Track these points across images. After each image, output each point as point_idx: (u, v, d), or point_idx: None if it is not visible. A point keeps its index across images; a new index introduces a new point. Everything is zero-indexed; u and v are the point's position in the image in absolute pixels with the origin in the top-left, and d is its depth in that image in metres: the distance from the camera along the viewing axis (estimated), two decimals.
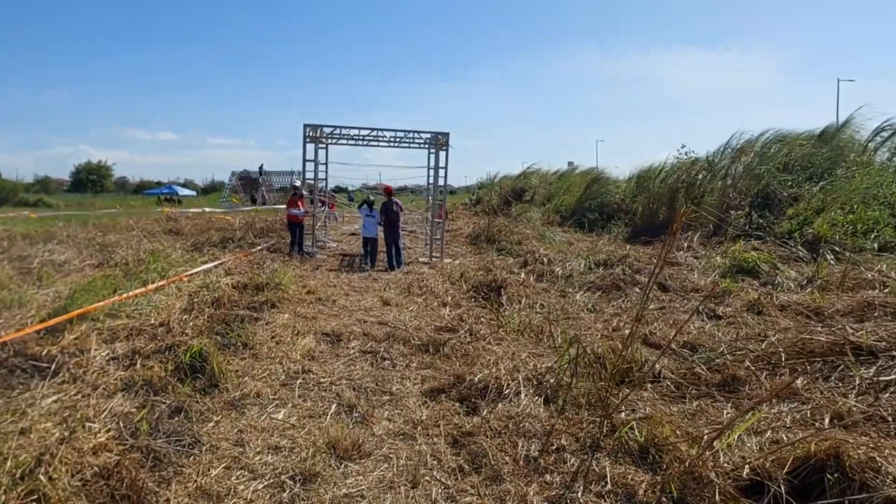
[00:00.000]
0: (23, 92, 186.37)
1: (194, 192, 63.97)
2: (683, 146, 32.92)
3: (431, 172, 20.25)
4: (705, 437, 5.03)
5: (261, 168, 46.14)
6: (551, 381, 6.49)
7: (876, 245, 13.93)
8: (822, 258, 13.58)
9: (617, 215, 26.98)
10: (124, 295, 8.78)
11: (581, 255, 16.31)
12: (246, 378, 6.80)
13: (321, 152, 20.23)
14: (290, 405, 6.21)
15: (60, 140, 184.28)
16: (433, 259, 17.43)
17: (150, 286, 9.71)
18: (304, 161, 17.52)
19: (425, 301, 11.15)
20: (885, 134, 21.13)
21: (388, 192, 17.52)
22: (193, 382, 6.43)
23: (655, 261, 15.36)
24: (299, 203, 17.00)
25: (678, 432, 5.25)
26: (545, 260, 16.03)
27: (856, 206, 15.89)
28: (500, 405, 6.03)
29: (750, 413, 5.37)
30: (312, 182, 18.09)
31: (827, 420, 5.38)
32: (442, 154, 17.97)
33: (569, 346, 7.09)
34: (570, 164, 40.27)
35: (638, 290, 12.47)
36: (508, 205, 32.71)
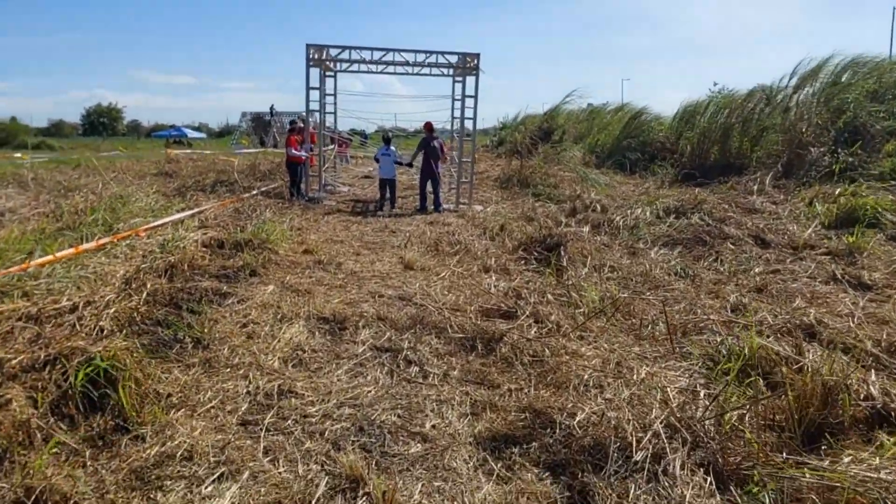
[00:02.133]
0: (38, 37, 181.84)
1: (204, 135, 60.82)
2: (716, 83, 29.15)
3: (457, 104, 17.11)
4: None
5: (271, 108, 42.81)
6: (708, 425, 3.58)
7: None
8: None
9: (661, 155, 23.69)
10: (31, 262, 5.90)
11: (641, 200, 13.24)
12: (178, 414, 3.96)
13: (329, 81, 17.09)
14: (243, 479, 3.35)
15: (75, 84, 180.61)
16: (461, 206, 14.46)
17: (84, 246, 6.84)
18: (308, 89, 14.39)
19: (461, 264, 8.20)
20: None
21: (429, 128, 14.55)
22: (75, 428, 3.62)
23: (729, 207, 12.30)
24: (295, 141, 13.97)
25: None
26: (598, 206, 13.01)
27: None
28: (633, 486, 3.15)
29: None
30: (318, 115, 14.97)
31: None
32: (470, 80, 14.75)
33: (725, 361, 4.18)
34: (589, 105, 36.43)
35: (731, 245, 9.47)
36: (535, 146, 29.44)
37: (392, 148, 14.57)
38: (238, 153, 29.93)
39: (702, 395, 4.16)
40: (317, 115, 14.85)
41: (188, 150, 36.79)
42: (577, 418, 3.69)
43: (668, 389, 4.15)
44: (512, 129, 41.13)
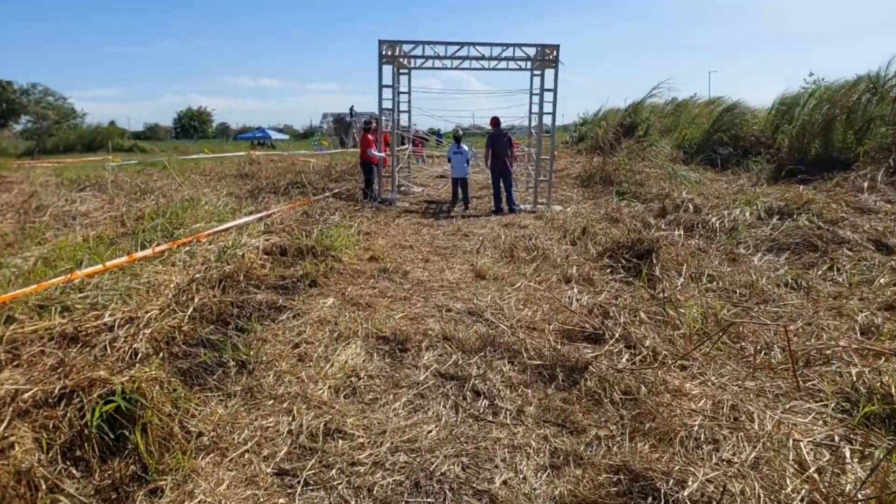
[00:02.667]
0: (136, 46, 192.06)
1: (287, 136, 61.99)
2: (811, 73, 26.85)
3: (535, 99, 16.26)
4: None
5: (351, 109, 42.87)
6: None
7: None
8: None
9: (755, 150, 21.98)
10: (78, 273, 5.53)
11: (738, 198, 12.02)
12: (206, 460, 3.39)
13: (403, 79, 16.59)
14: None
15: (171, 90, 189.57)
16: (539, 206, 13.61)
17: (140, 253, 6.47)
18: (381, 87, 13.90)
19: (538, 273, 7.41)
20: None
21: (496, 123, 13.74)
22: (90, 475, 3.10)
23: (839, 206, 10.95)
24: (371, 142, 13.49)
25: None
26: (690, 206, 11.89)
27: None
28: None
29: None
30: (391, 113, 14.44)
31: None
32: (549, 74, 13.88)
33: (866, 403, 3.25)
34: (673, 99, 34.42)
35: (848, 251, 8.27)
36: (618, 141, 28.08)
37: (464, 146, 13.91)
38: (318, 154, 30.06)
39: (847, 453, 3.25)
40: (390, 114, 14.33)
41: (271, 151, 37.50)
42: (688, 489, 2.87)
43: (802, 445, 3.26)
44: (593, 125, 39.68)
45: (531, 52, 14.14)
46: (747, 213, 10.68)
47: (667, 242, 7.96)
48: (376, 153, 13.62)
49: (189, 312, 5.04)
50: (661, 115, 31.81)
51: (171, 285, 5.84)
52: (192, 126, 74.05)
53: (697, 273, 7.23)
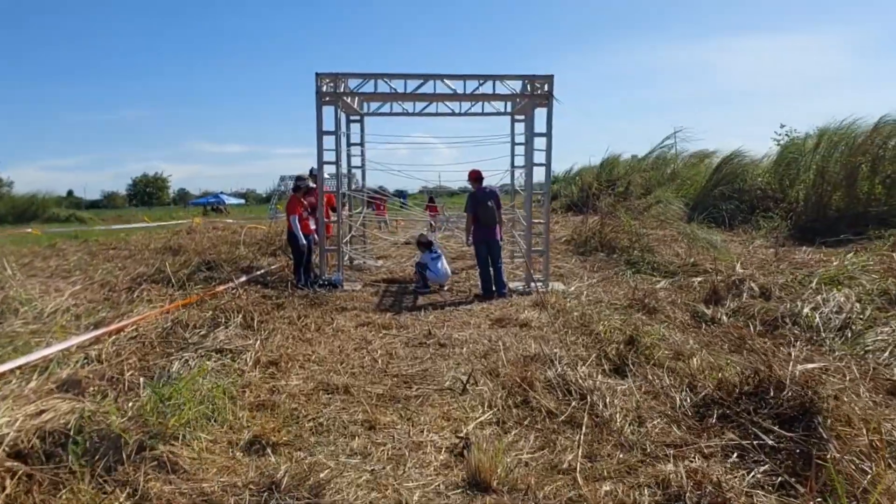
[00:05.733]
0: (98, 114, 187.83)
1: (243, 201, 57.99)
2: (783, 126, 24.19)
3: (518, 149, 12.73)
4: None
5: (311, 170, 39.17)
6: None
7: None
8: None
9: (762, 205, 18.77)
10: None
11: (821, 275, 8.41)
12: None
13: (354, 126, 12.95)
14: None
15: (134, 157, 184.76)
16: (533, 284, 9.89)
17: None
18: (320, 133, 10.19)
19: (592, 460, 3.57)
20: None
21: (476, 177, 9.88)
22: None
23: None
24: (300, 207, 9.61)
25: None
26: (753, 286, 8.25)
27: None
28: None
29: None
30: (336, 168, 10.65)
31: None
32: (540, 114, 10.35)
33: None
34: (647, 155, 31.45)
35: None
36: (595, 199, 24.81)
37: (437, 247, 10.40)
38: (273, 219, 26.29)
39: None
40: (331, 169, 10.53)
41: (220, 218, 33.52)
42: None
43: None
44: (566, 182, 36.65)
45: (516, 85, 10.64)
46: (853, 299, 7.07)
47: (832, 388, 4.15)
48: (310, 225, 9.77)
49: None
50: (641, 170, 28.85)
51: None
52: (147, 193, 69.48)
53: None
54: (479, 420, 4.30)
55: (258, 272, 10.26)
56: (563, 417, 4.19)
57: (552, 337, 6.60)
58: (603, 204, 18.37)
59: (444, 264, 10.05)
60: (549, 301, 8.38)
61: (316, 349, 6.10)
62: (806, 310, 6.93)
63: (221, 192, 58.16)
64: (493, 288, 9.38)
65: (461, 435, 4.00)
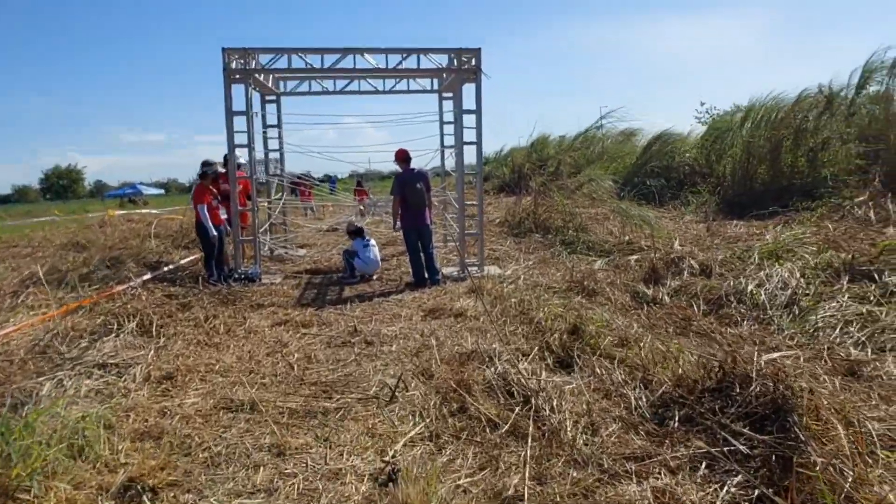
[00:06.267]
0: (7, 101, 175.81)
1: (162, 191, 55.16)
2: (703, 103, 24.56)
3: (447, 128, 12.08)
4: None
5: (225, 157, 37.33)
6: None
7: None
8: None
9: (689, 181, 18.84)
10: None
11: (760, 250, 8.16)
12: None
13: (271, 107, 11.99)
14: None
15: (46, 148, 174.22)
16: (469, 270, 9.32)
17: None
18: (229, 113, 9.23)
19: (544, 480, 3.00)
20: None
21: (403, 157, 9.04)
22: None
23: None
24: (208, 195, 8.66)
25: None
26: (692, 263, 7.92)
27: None
28: None
29: None
30: (249, 152, 9.73)
31: None
32: (468, 90, 9.72)
33: None
34: (578, 135, 31.33)
35: None
36: (528, 180, 24.47)
37: (369, 238, 9.62)
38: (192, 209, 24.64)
39: None
40: (245, 152, 9.61)
41: (138, 210, 31.52)
42: None
43: None
44: (497, 163, 36.31)
45: (443, 60, 9.96)
46: (797, 274, 6.79)
47: (805, 381, 3.70)
48: (220, 214, 8.85)
49: None
50: (571, 149, 28.74)
51: None
52: (61, 186, 65.24)
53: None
54: (410, 435, 3.66)
55: (166, 268, 9.25)
56: (505, 428, 3.60)
57: (489, 328, 6.03)
58: (535, 184, 17.98)
59: (374, 252, 9.34)
60: (484, 287, 7.82)
61: (222, 356, 5.31)
62: (750, 287, 6.62)
63: (140, 183, 55.10)
64: (426, 275, 8.75)
65: (387, 459, 3.35)
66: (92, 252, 11.67)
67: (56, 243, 14.88)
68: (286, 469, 3.33)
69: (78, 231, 18.29)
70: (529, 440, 3.42)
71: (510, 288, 7.76)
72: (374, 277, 9.31)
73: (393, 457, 3.41)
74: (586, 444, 3.31)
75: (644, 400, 3.76)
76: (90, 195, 68.62)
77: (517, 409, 3.85)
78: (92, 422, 3.51)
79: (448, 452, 3.46)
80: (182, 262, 9.97)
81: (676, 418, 3.44)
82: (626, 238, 11.04)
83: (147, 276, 8.39)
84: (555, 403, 3.78)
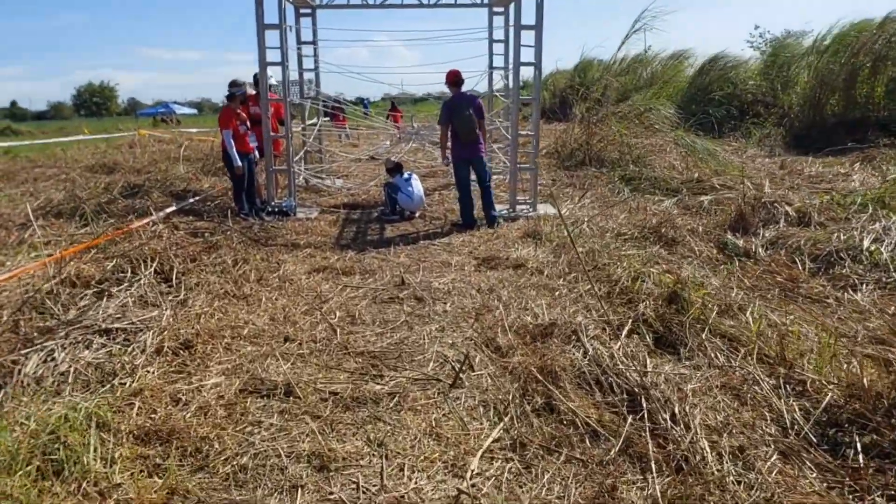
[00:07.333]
0: (39, 20, 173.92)
1: (195, 111, 54.11)
2: (758, 27, 22.24)
3: (497, 47, 10.80)
4: None
5: (255, 77, 36.01)
6: None
7: None
8: None
9: (752, 110, 17.26)
10: None
11: (865, 195, 7.00)
12: None
13: (305, 21, 10.79)
14: None
15: (82, 65, 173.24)
16: (520, 208, 8.34)
17: None
18: (261, 27, 8.15)
19: (644, 498, 2.15)
20: None
21: (455, 80, 7.78)
22: None
23: None
24: (234, 119, 7.63)
25: None
26: (788, 211, 6.81)
27: None
28: None
29: None
30: (282, 71, 8.66)
31: None
32: (529, 4, 8.42)
33: None
34: (624, 58, 29.08)
35: None
36: (571, 105, 22.90)
37: (411, 171, 8.63)
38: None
39: None
40: (278, 71, 8.55)
41: (171, 129, 30.72)
42: None
43: None
44: (542, 89, 34.44)
45: None
46: None
47: None
48: (249, 141, 7.89)
49: None
50: (616, 74, 26.84)
51: None
52: (94, 103, 64.57)
53: None
54: (487, 444, 2.82)
55: (193, 199, 8.43)
56: (619, 445, 2.72)
57: (559, 285, 5.11)
58: (578, 111, 16.56)
59: (418, 187, 8.38)
60: (543, 232, 6.87)
61: (252, 315, 4.49)
62: (866, 242, 5.55)
63: (174, 102, 54.05)
64: (476, 217, 7.79)
65: (462, 488, 2.51)
66: (117, 177, 10.94)
67: (82, 164, 14.22)
68: (331, 493, 2.52)
69: (107, 151, 17.66)
70: (653, 466, 2.54)
71: (574, 233, 6.78)
72: (417, 215, 8.40)
73: (471, 479, 2.57)
74: (739, 481, 2.42)
75: (797, 410, 2.83)
76: (124, 113, 67.97)
77: (622, 410, 2.97)
78: (79, 422, 2.72)
79: (540, 473, 2.62)
80: (211, 192, 9.12)
81: (858, 446, 2.52)
82: (695, 175, 9.87)
83: (172, 209, 7.57)
84: (676, 410, 2.88)
